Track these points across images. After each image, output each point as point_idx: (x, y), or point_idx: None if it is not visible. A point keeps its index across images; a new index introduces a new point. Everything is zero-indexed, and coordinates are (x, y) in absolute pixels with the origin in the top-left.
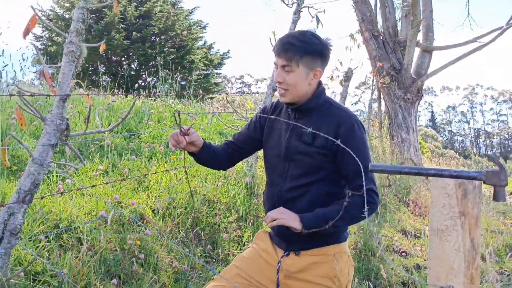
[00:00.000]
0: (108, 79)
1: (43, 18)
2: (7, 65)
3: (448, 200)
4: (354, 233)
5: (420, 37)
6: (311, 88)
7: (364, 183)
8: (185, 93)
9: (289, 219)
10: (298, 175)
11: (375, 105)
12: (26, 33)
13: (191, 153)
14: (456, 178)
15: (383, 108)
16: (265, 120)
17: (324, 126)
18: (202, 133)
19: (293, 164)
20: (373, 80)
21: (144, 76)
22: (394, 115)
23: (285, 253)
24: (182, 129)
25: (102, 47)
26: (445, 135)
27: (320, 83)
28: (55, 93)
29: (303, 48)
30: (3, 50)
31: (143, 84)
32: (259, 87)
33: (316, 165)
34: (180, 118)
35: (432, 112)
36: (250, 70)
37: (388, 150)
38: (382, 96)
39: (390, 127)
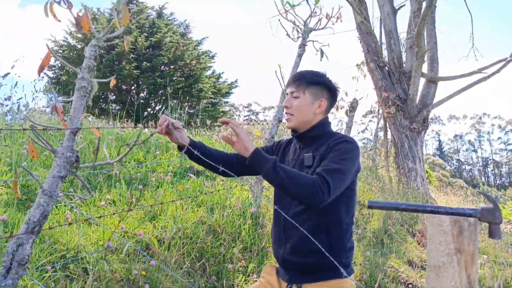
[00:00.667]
0: (117, 107)
1: (56, 48)
2: (21, 98)
3: (444, 237)
4: (360, 264)
5: (425, 67)
6: (315, 118)
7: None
8: (192, 122)
9: (243, 141)
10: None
11: (381, 134)
12: (40, 70)
13: (181, 150)
14: (452, 215)
15: (389, 137)
16: (278, 150)
17: (323, 147)
18: None
19: None
20: (378, 110)
21: (153, 104)
22: (400, 145)
23: (288, 286)
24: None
25: (113, 82)
26: (453, 164)
27: (326, 118)
28: (66, 127)
29: (310, 78)
30: (16, 82)
31: (152, 112)
32: (266, 115)
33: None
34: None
35: (440, 140)
36: (257, 98)
37: (394, 180)
38: (388, 125)
39: (396, 156)
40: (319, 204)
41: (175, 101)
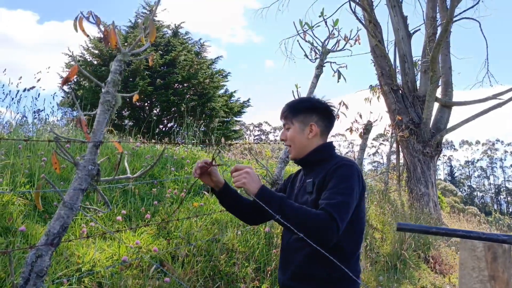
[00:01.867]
0: (130, 123)
1: (72, 63)
2: (43, 109)
3: (478, 263)
4: None
5: (439, 92)
6: (312, 143)
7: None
8: (207, 140)
9: (249, 182)
10: None
11: (393, 158)
12: (64, 82)
13: (214, 192)
14: (485, 240)
15: (401, 161)
16: (289, 181)
17: (322, 173)
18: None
19: None
20: (392, 133)
21: (165, 121)
22: (413, 169)
23: None
24: (212, 161)
25: (135, 97)
26: (465, 190)
27: (325, 142)
28: (89, 140)
29: (295, 107)
30: (39, 94)
31: (164, 129)
32: (276, 135)
33: None
34: (217, 155)
35: (451, 166)
36: (268, 118)
37: (406, 204)
38: (400, 149)
39: (409, 180)
40: (329, 242)
41: (191, 118)
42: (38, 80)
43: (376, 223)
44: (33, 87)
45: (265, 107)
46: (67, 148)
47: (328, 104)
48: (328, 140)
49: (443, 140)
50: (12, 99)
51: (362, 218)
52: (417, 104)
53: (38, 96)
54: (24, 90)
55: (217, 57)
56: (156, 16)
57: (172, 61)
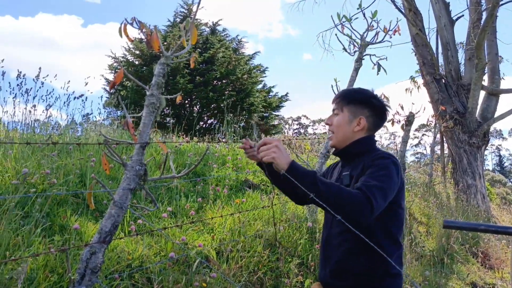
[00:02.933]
0: (171, 120)
1: (115, 64)
2: (91, 113)
3: None
4: (419, 284)
5: (485, 80)
6: (355, 136)
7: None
8: (247, 136)
9: (279, 157)
10: (340, 221)
11: (437, 149)
12: (112, 86)
13: (269, 172)
14: None
15: (446, 152)
16: (326, 176)
17: (360, 166)
18: (263, 176)
19: None
20: (435, 124)
21: (205, 118)
22: (458, 160)
23: None
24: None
25: (179, 98)
26: None
27: (368, 136)
28: (136, 141)
29: (351, 96)
30: (86, 98)
31: (204, 126)
32: (315, 129)
33: None
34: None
35: (500, 156)
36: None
37: (452, 196)
38: (445, 140)
39: (454, 172)
40: (364, 220)
41: (231, 115)
42: (86, 84)
43: (420, 216)
44: (82, 95)
45: (303, 100)
46: (114, 148)
47: (384, 103)
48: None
49: (491, 129)
50: (64, 102)
51: (400, 215)
52: (461, 93)
53: (86, 100)
54: (74, 98)
55: (255, 53)
56: (193, 14)
57: (211, 58)
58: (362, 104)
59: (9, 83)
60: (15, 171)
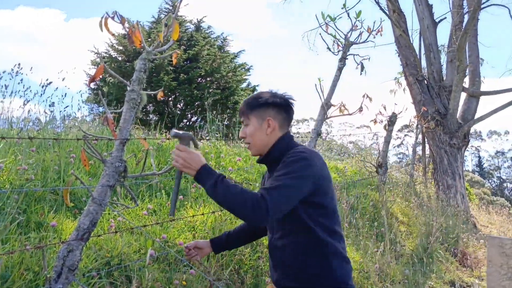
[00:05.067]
0: (155, 117)
1: (98, 60)
2: (68, 106)
3: (506, 260)
4: (399, 283)
5: (466, 81)
6: (271, 139)
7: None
8: (230, 134)
9: (185, 166)
10: (277, 225)
11: (419, 149)
12: (91, 81)
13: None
14: None
15: (427, 152)
16: (262, 183)
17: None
18: (246, 174)
19: None
20: (417, 125)
21: (189, 115)
22: (439, 160)
23: None
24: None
25: (160, 94)
26: (494, 182)
27: (284, 135)
28: (116, 137)
29: (251, 103)
30: (65, 93)
31: (188, 123)
32: (299, 128)
33: (290, 214)
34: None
35: (479, 157)
36: None
37: (433, 196)
38: (426, 140)
39: (435, 172)
40: (258, 221)
41: (214, 112)
42: (63, 79)
43: (401, 216)
44: (51, 82)
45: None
46: (94, 144)
47: (284, 96)
48: (347, 132)
49: (471, 131)
50: (41, 95)
51: (328, 207)
52: (443, 94)
53: (65, 95)
54: (43, 86)
55: (240, 51)
56: (178, 12)
57: (195, 56)
58: (265, 106)
59: None
60: None
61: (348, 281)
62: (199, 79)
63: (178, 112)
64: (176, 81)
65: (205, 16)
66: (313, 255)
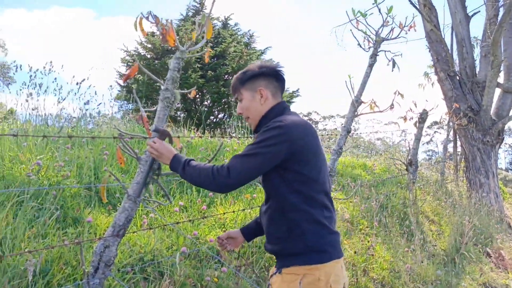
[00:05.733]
0: (182, 114)
1: (127, 58)
2: (100, 103)
3: None
4: (431, 283)
5: (501, 77)
6: (266, 109)
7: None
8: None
9: (160, 157)
10: (265, 192)
11: (450, 147)
12: (126, 79)
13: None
14: None
15: (459, 150)
16: None
17: None
18: None
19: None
20: (448, 121)
21: (216, 112)
22: (471, 158)
23: (274, 272)
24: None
25: (193, 93)
26: None
27: (277, 104)
28: (151, 136)
29: (240, 78)
30: (95, 92)
31: (214, 120)
32: (326, 124)
33: (265, 179)
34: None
35: None
36: (317, 107)
37: (465, 195)
38: (458, 138)
39: (467, 170)
40: (220, 186)
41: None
42: (88, 78)
43: (432, 215)
44: (84, 80)
45: (314, 96)
46: (127, 142)
47: (273, 64)
48: (374, 129)
49: (505, 128)
50: (75, 94)
51: (306, 175)
52: (476, 90)
53: (96, 93)
54: (77, 83)
55: (266, 48)
56: (205, 9)
57: (222, 53)
58: (254, 77)
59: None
60: (29, 163)
61: (324, 246)
62: (226, 76)
63: (205, 109)
64: (203, 78)
65: (232, 14)
66: (284, 219)
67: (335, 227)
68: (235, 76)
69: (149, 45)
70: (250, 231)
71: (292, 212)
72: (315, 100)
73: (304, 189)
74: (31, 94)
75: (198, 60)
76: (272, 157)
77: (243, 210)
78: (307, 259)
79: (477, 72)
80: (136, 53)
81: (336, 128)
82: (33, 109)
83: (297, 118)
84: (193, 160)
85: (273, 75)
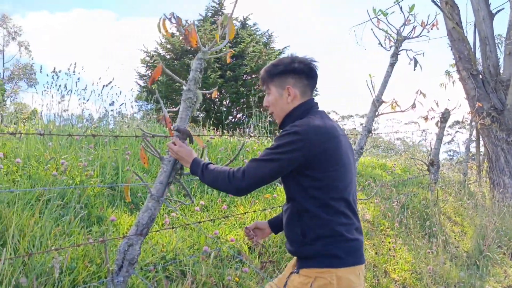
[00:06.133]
0: (201, 114)
1: (147, 59)
2: (123, 104)
3: None
4: (454, 286)
5: None
6: (292, 106)
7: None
8: (276, 131)
9: (181, 159)
10: (285, 192)
11: (472, 147)
12: (152, 81)
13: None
14: None
15: (482, 150)
16: None
17: None
18: None
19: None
20: (471, 121)
21: (234, 112)
22: (495, 159)
23: (294, 271)
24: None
25: (215, 93)
26: None
27: (304, 102)
28: (172, 135)
29: (270, 72)
30: (120, 92)
31: (233, 120)
32: (344, 124)
33: (284, 182)
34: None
35: None
36: (336, 107)
37: (488, 196)
38: (481, 137)
39: (490, 171)
40: (235, 189)
41: (260, 109)
42: (113, 79)
43: (454, 216)
44: (110, 81)
45: (333, 96)
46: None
47: (306, 60)
48: (394, 129)
49: None
50: (99, 95)
51: (323, 181)
52: (500, 89)
53: (118, 94)
54: (104, 86)
55: (285, 47)
56: (224, 9)
57: (241, 53)
58: (284, 74)
59: (47, 76)
60: (54, 163)
61: (337, 252)
62: (245, 76)
63: (224, 109)
64: (222, 78)
65: (251, 14)
66: (299, 223)
67: (356, 234)
68: (264, 68)
69: (169, 46)
70: (277, 223)
71: (307, 217)
72: (334, 100)
73: (320, 195)
74: (57, 94)
75: (217, 60)
76: (287, 164)
77: (264, 210)
78: (319, 262)
79: (501, 71)
80: (156, 54)
81: (355, 128)
82: (64, 111)
83: (319, 121)
84: (211, 163)
85: (304, 72)
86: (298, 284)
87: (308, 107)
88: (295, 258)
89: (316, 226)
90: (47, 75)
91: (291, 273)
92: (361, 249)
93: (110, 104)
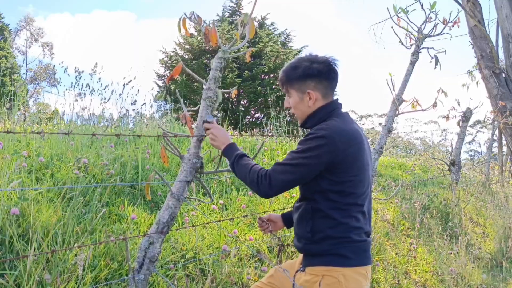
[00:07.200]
0: (219, 114)
1: (166, 59)
2: (144, 103)
3: None
4: (477, 287)
5: None
6: (314, 108)
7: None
8: (294, 131)
9: (214, 141)
10: (299, 190)
11: (494, 147)
12: (170, 79)
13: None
14: None
15: (504, 150)
16: None
17: None
18: None
19: None
20: (493, 120)
21: (252, 112)
22: None
23: (299, 269)
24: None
25: (234, 92)
26: None
27: (326, 104)
28: (193, 134)
29: (288, 76)
30: (138, 91)
31: (251, 119)
32: (363, 123)
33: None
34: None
35: None
36: (353, 106)
37: (511, 197)
38: (504, 137)
39: None
40: (262, 195)
41: (278, 109)
42: (134, 78)
43: (476, 217)
44: (130, 81)
45: (351, 95)
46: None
47: (325, 59)
48: (413, 128)
49: None
50: (120, 95)
51: (343, 185)
52: None
53: (138, 92)
54: (124, 85)
55: (303, 46)
56: (242, 9)
57: (259, 53)
58: (303, 78)
59: (72, 77)
60: (76, 162)
61: (345, 252)
62: (263, 75)
63: (242, 108)
64: (240, 78)
65: (269, 13)
66: (310, 222)
67: (365, 236)
68: (283, 69)
69: (187, 46)
70: (290, 218)
71: (319, 217)
72: (352, 99)
73: (336, 199)
74: (79, 94)
75: (235, 60)
76: (314, 168)
77: (283, 209)
78: (326, 261)
79: None
80: (174, 54)
81: (373, 128)
82: (83, 109)
83: (344, 125)
84: (245, 155)
85: (324, 73)
86: (304, 283)
87: (331, 109)
88: (300, 256)
89: (326, 227)
90: (68, 75)
91: (297, 271)
92: (369, 250)
93: (131, 104)
